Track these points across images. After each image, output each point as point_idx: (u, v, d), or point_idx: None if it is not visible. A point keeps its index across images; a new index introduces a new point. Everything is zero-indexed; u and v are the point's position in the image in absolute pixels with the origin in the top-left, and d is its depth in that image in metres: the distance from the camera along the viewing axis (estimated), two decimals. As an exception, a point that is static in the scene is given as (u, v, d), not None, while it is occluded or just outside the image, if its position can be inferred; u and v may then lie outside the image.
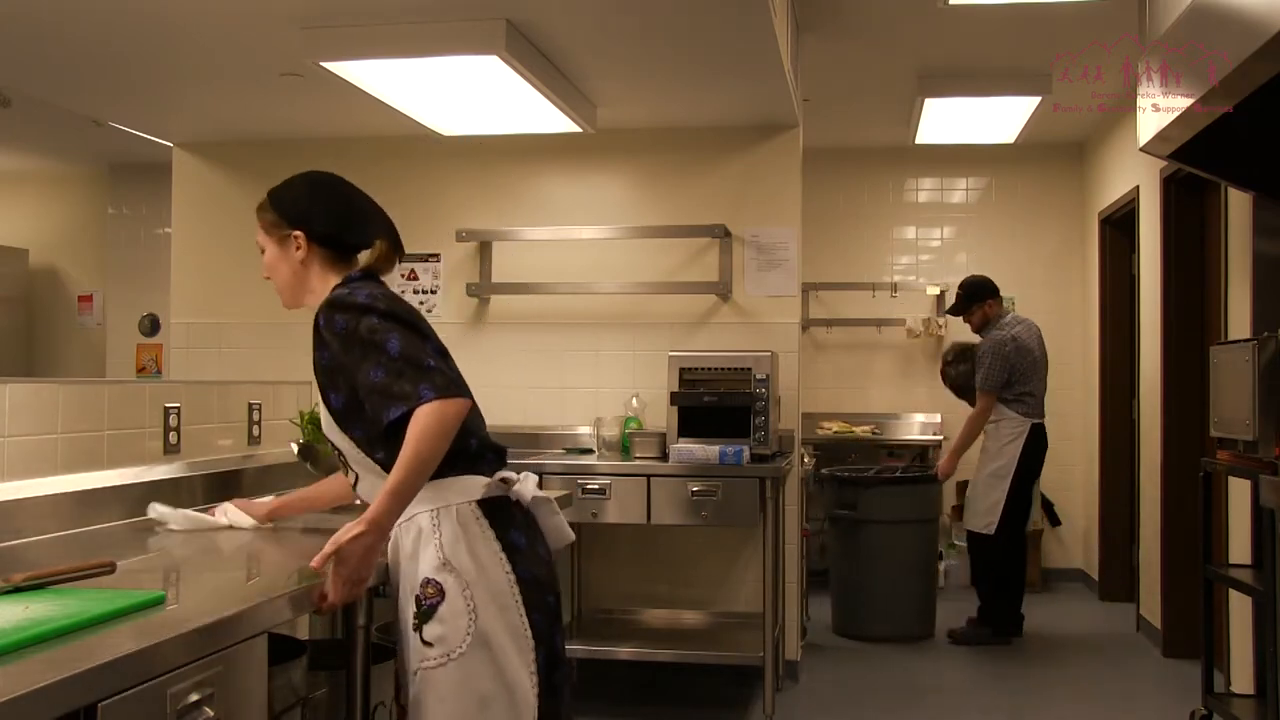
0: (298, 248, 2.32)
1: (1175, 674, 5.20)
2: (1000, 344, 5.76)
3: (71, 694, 1.44)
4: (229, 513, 2.76)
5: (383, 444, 2.18)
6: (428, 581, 2.14)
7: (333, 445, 2.32)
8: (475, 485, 2.21)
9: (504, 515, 2.22)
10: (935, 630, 5.97)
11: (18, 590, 1.88)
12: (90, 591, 1.92)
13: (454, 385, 2.12)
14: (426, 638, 2.13)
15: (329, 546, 2.04)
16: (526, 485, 2.29)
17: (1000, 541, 5.77)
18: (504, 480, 2.25)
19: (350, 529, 2.04)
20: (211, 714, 1.74)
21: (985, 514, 5.77)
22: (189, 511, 2.79)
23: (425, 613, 2.14)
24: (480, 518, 2.19)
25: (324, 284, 2.32)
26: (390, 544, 2.20)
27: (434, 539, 2.15)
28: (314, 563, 2.06)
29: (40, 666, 1.46)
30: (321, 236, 2.33)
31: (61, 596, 1.85)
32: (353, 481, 2.33)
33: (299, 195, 2.35)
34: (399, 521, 2.16)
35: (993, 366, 5.74)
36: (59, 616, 1.68)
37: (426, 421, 2.06)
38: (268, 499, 2.84)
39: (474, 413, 2.26)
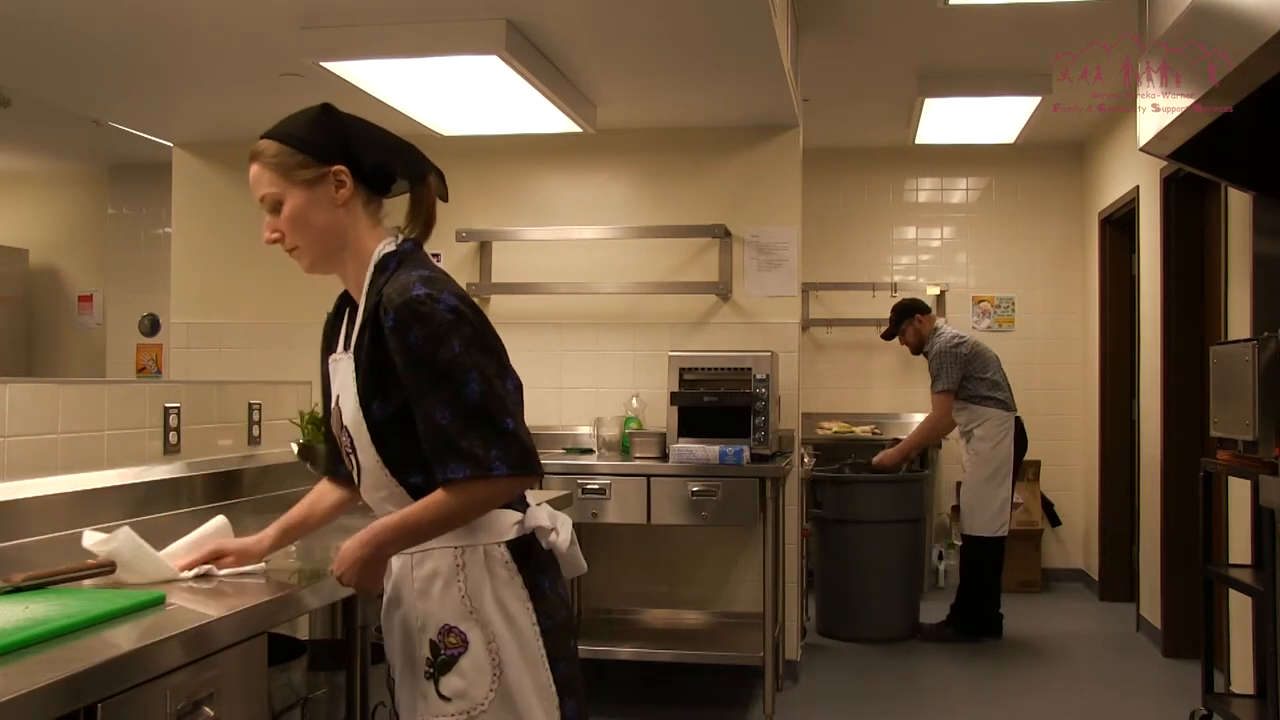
0: (340, 186, 1.94)
1: (1175, 674, 5.20)
2: (948, 343, 5.86)
3: (71, 694, 1.44)
4: (214, 570, 2.15)
5: (420, 469, 1.91)
6: (450, 629, 1.91)
7: (347, 441, 1.99)
8: (506, 523, 1.95)
9: (531, 557, 1.97)
10: (921, 631, 5.98)
11: (18, 590, 1.88)
12: (90, 591, 1.92)
13: (529, 460, 1.86)
14: (444, 691, 1.91)
15: (336, 562, 1.93)
16: (563, 535, 2.02)
17: (1003, 542, 5.82)
18: (539, 528, 1.99)
19: (355, 543, 1.89)
20: (211, 714, 1.74)
21: (996, 517, 5.79)
22: (152, 555, 2.11)
23: (444, 663, 1.91)
24: (509, 561, 1.93)
25: (365, 238, 1.97)
26: (396, 570, 1.99)
27: (456, 581, 1.91)
28: (332, 567, 1.95)
29: (40, 666, 1.46)
30: (371, 170, 1.96)
31: (61, 596, 1.85)
32: (357, 480, 2.03)
33: (328, 124, 1.96)
34: (411, 551, 1.95)
35: (947, 367, 5.82)
36: (59, 616, 1.68)
37: (483, 496, 1.86)
38: (257, 538, 2.22)
39: None
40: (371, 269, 1.96)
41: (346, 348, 1.99)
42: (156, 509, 3.04)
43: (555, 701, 1.94)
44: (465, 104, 4.31)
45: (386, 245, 1.98)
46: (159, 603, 1.85)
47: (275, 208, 1.95)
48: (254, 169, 1.96)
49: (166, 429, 3.25)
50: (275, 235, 1.97)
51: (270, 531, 2.20)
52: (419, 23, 3.62)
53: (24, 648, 1.54)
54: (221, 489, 3.34)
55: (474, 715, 1.89)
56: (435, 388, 1.83)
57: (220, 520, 2.25)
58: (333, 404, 2.02)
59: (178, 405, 3.30)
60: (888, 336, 6.23)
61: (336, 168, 1.93)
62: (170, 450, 3.25)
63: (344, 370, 1.97)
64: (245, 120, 4.97)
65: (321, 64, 3.76)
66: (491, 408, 1.84)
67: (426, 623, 1.93)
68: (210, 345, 5.33)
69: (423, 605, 1.93)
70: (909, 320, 6.05)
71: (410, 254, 1.97)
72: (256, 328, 5.29)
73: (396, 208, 2.05)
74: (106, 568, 2.07)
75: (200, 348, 5.35)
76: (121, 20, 3.64)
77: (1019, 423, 5.90)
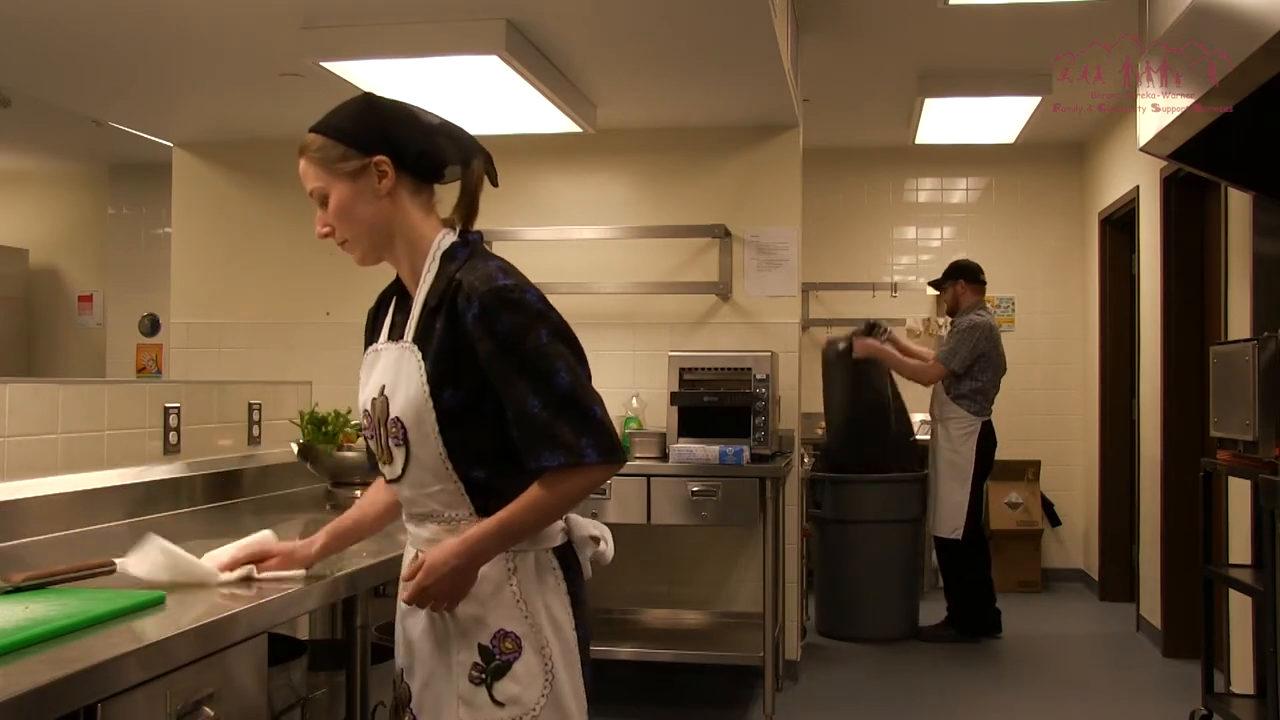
0: (382, 176, 1.91)
1: (1175, 674, 5.20)
2: (977, 328, 5.78)
3: (71, 694, 1.44)
4: (254, 573, 2.09)
5: (485, 463, 1.90)
6: (505, 634, 1.89)
7: (398, 432, 1.91)
8: (555, 530, 1.95)
9: (572, 565, 1.98)
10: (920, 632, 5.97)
11: (18, 590, 1.88)
12: (90, 591, 1.92)
13: (616, 448, 1.86)
14: (498, 697, 1.89)
15: (422, 574, 1.85)
16: (610, 546, 2.04)
17: (966, 544, 5.79)
18: (587, 538, 2.01)
19: (447, 553, 1.84)
20: (211, 714, 1.74)
21: (951, 519, 5.78)
22: (187, 559, 2.06)
23: (498, 668, 1.89)
24: (556, 568, 1.95)
25: (420, 227, 1.96)
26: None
27: (509, 586, 1.90)
28: (405, 573, 1.90)
29: (40, 666, 1.46)
30: (414, 158, 1.94)
31: (61, 596, 1.85)
32: (398, 473, 1.95)
33: (368, 114, 1.95)
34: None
35: (961, 351, 5.76)
36: (59, 616, 1.68)
37: (575, 486, 1.85)
38: (306, 543, 2.16)
39: None
40: (438, 259, 1.95)
41: (395, 338, 1.96)
42: (156, 509, 3.04)
43: (585, 706, 1.97)
44: (465, 104, 4.31)
45: (449, 235, 1.98)
46: (159, 603, 1.85)
47: (324, 201, 1.94)
48: (302, 163, 1.95)
49: (166, 429, 3.25)
50: (326, 229, 1.95)
51: (319, 536, 2.15)
52: (419, 23, 3.62)
53: (24, 648, 1.54)
54: (221, 489, 3.34)
55: None
56: (524, 375, 1.83)
57: (266, 533, 2.17)
58: (373, 395, 1.96)
59: (178, 405, 3.30)
60: (935, 286, 6.18)
61: (378, 158, 1.91)
62: (170, 450, 3.26)
63: (395, 359, 1.93)
64: (245, 120, 4.99)
65: (321, 64, 3.76)
66: (580, 396, 1.84)
67: (474, 627, 1.91)
68: (210, 345, 5.33)
69: (467, 609, 1.91)
70: (954, 281, 5.99)
71: (479, 245, 1.99)
72: (256, 328, 5.29)
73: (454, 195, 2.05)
74: (106, 567, 2.07)
75: (200, 348, 5.35)
76: (121, 20, 3.64)
77: (987, 426, 5.83)
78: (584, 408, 1.84)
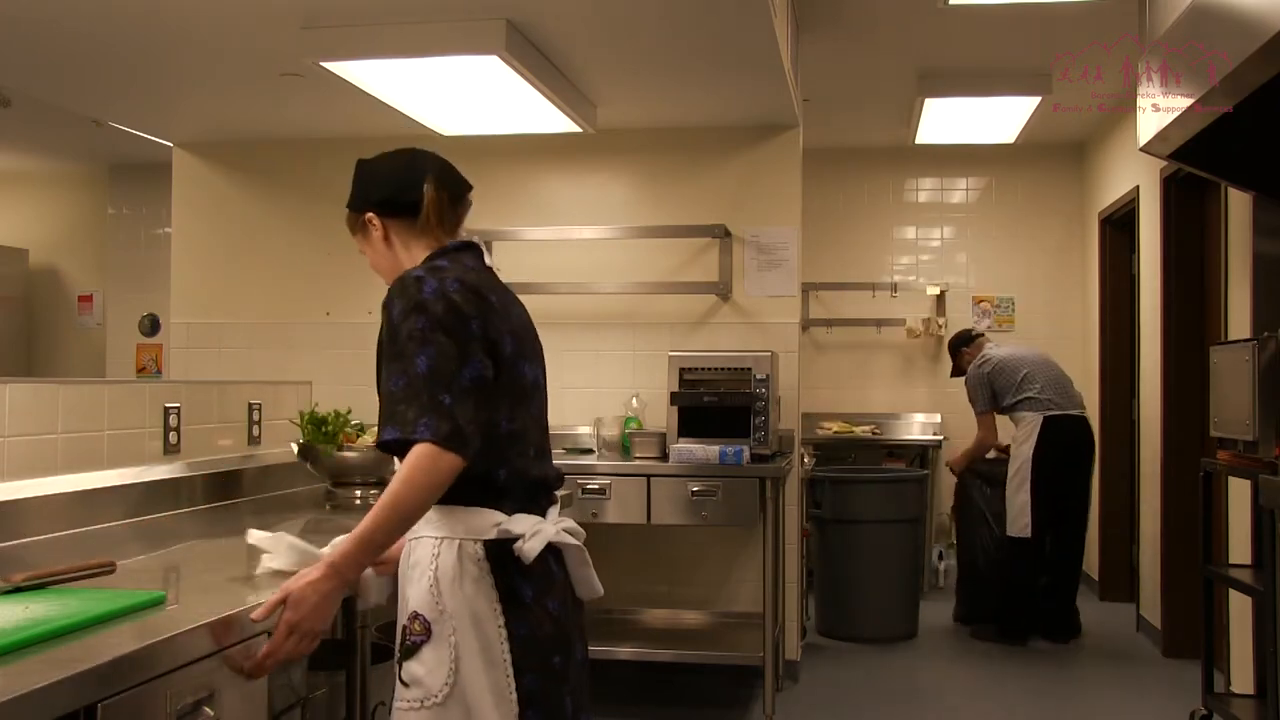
0: (375, 228, 2.17)
1: (1175, 674, 5.20)
2: (975, 367, 5.98)
3: (71, 694, 1.44)
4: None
5: None
6: (416, 616, 1.96)
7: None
8: (485, 523, 1.98)
9: (511, 562, 1.98)
10: (919, 630, 5.96)
11: (18, 590, 1.88)
12: (90, 591, 1.92)
13: (455, 436, 1.87)
14: (404, 676, 1.97)
15: (278, 593, 1.85)
16: (531, 544, 1.98)
17: (1036, 543, 5.73)
18: (507, 529, 1.98)
19: (306, 574, 1.87)
20: (211, 714, 1.74)
21: (1016, 519, 5.76)
22: (296, 543, 2.18)
23: (408, 649, 1.96)
24: (482, 560, 1.96)
25: (413, 258, 2.15)
26: (403, 554, 2.06)
27: (429, 571, 1.97)
28: (257, 613, 1.84)
29: (40, 666, 1.46)
30: (386, 206, 2.16)
31: (61, 596, 1.85)
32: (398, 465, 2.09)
33: (357, 178, 2.24)
34: (409, 537, 2.01)
35: (977, 392, 5.95)
36: (59, 616, 1.68)
37: (414, 468, 1.86)
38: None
39: (511, 439, 2.02)
40: None
41: None
42: (156, 509, 3.05)
43: (515, 711, 1.95)
44: (465, 104, 4.31)
45: (434, 249, 2.15)
46: (159, 603, 1.86)
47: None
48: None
49: (166, 429, 3.25)
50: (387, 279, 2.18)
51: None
52: (419, 23, 3.62)
53: (24, 648, 1.54)
54: (221, 489, 3.34)
55: (427, 704, 1.94)
56: (396, 358, 1.94)
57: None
58: None
59: (178, 405, 3.30)
60: (955, 375, 6.31)
61: (367, 215, 2.18)
62: (170, 450, 3.26)
63: None
64: (245, 120, 5.00)
65: (321, 64, 3.76)
66: (434, 382, 1.90)
67: (404, 607, 2.01)
68: (210, 345, 5.33)
69: (404, 591, 2.02)
70: (957, 355, 6.23)
71: (449, 252, 2.13)
72: (256, 328, 5.29)
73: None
74: (106, 567, 2.07)
75: (200, 348, 5.35)
76: (121, 20, 3.64)
77: (1056, 421, 5.71)
78: (434, 393, 1.89)
